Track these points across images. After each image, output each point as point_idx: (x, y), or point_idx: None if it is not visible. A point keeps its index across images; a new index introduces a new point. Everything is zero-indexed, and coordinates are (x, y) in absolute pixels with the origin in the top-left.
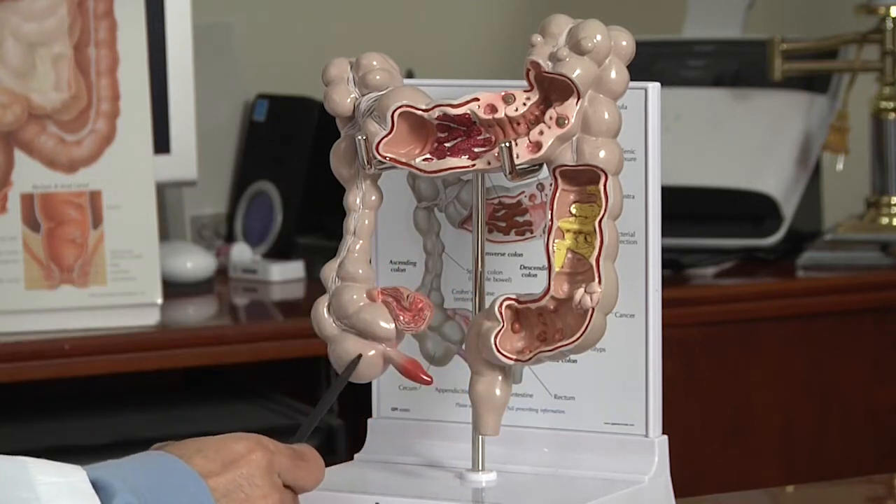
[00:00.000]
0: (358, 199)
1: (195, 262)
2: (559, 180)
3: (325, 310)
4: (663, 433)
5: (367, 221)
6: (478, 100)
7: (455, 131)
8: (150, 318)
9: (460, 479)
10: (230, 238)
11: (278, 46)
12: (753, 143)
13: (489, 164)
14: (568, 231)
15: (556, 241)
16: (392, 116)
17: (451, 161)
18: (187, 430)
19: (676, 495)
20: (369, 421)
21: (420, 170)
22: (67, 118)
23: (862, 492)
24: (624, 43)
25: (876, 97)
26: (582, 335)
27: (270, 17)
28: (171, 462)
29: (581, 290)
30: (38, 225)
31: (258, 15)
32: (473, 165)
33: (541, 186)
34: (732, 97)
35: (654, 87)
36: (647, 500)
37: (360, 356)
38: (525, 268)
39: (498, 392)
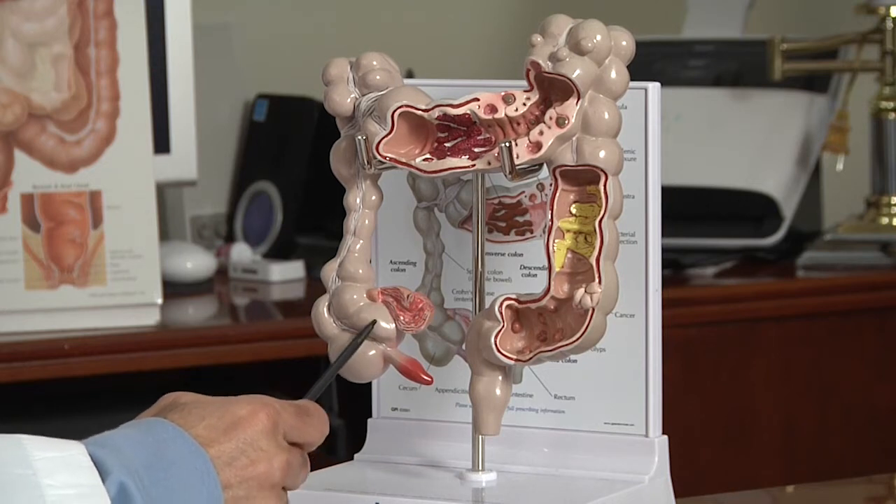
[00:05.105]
0: (358, 199)
1: (195, 262)
2: (559, 180)
3: (326, 310)
4: (663, 433)
5: (367, 221)
6: (478, 100)
7: (455, 131)
8: (150, 318)
9: (460, 479)
10: (230, 238)
11: (278, 46)
12: (753, 143)
13: (489, 164)
14: (568, 231)
15: (556, 241)
16: (392, 116)
17: (451, 161)
18: None
19: (676, 495)
20: (369, 421)
21: (420, 170)
22: (67, 118)
23: (862, 492)
24: (624, 43)
25: (876, 97)
26: (582, 335)
27: (270, 17)
28: (172, 432)
29: (581, 290)
30: (38, 225)
31: (258, 15)
32: (473, 165)
33: (541, 186)
34: (732, 97)
35: (654, 87)
36: (647, 500)
37: (374, 322)
38: (525, 268)
39: (498, 392)
